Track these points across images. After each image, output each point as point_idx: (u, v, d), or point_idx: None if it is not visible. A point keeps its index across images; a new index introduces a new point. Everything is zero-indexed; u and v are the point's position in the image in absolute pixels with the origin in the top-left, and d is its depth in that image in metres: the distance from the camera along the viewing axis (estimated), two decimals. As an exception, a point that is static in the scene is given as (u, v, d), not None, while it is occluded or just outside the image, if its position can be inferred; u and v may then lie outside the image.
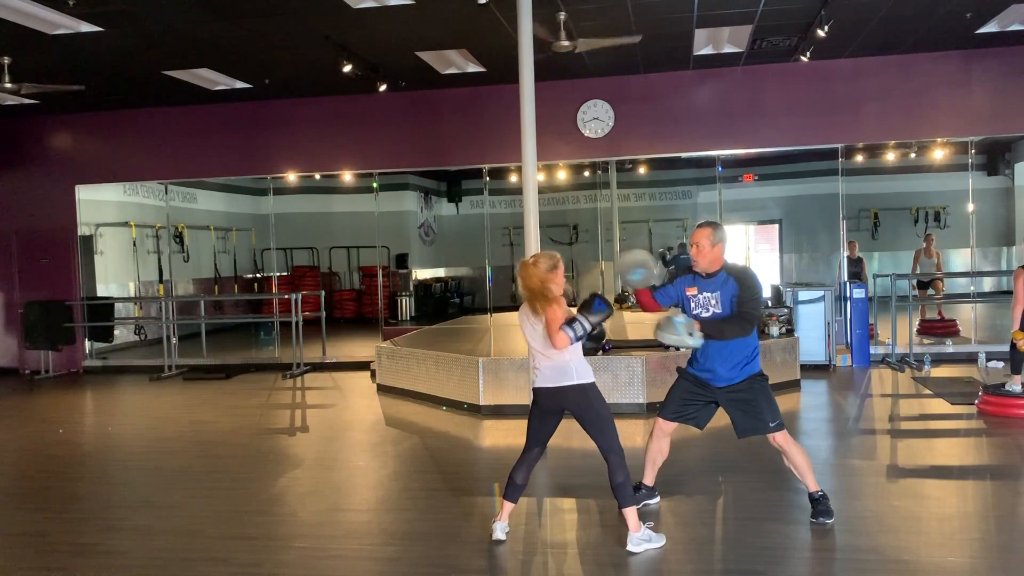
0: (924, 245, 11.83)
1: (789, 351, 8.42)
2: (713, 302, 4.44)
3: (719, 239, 4.45)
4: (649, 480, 4.86)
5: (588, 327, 4.11)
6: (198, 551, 4.43)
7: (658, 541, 4.24)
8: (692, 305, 4.50)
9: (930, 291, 11.53)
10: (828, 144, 10.41)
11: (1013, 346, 6.97)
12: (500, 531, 4.36)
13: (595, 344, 4.55)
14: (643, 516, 4.39)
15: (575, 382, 4.18)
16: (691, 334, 4.25)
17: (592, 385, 4.23)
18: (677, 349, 7.84)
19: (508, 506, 4.38)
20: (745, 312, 4.35)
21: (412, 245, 16.61)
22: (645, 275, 4.46)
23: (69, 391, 10.26)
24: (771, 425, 4.43)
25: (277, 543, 4.57)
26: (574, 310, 4.21)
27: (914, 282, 11.18)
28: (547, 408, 4.29)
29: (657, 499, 4.89)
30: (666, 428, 4.73)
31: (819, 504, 4.47)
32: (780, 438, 4.46)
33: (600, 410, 4.22)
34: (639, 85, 10.51)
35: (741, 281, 4.41)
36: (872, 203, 14.84)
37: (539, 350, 4.23)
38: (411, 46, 8.81)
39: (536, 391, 4.30)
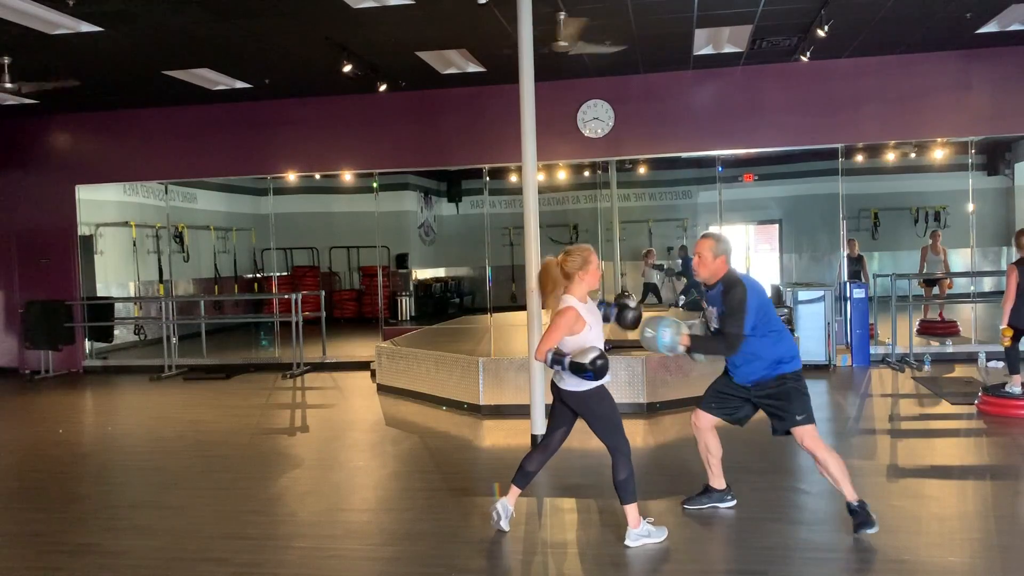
0: (931, 242, 11.84)
1: (789, 351, 8.41)
2: (714, 315, 4.47)
3: (722, 251, 4.40)
4: (715, 482, 4.76)
5: (563, 366, 4.04)
6: (198, 551, 4.43)
7: (658, 536, 4.24)
8: (708, 320, 4.57)
9: (935, 290, 11.53)
10: (828, 144, 10.40)
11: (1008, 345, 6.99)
12: (505, 517, 4.39)
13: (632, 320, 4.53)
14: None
15: (567, 388, 4.22)
16: (671, 350, 4.32)
17: (590, 392, 4.19)
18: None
19: (515, 490, 4.41)
20: (727, 332, 4.32)
21: (412, 245, 16.60)
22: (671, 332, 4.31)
23: (69, 391, 10.25)
24: (798, 418, 4.30)
25: (277, 543, 4.57)
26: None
27: (921, 280, 11.19)
28: (560, 401, 4.34)
29: (732, 502, 4.77)
30: (701, 423, 4.67)
31: (858, 515, 4.26)
32: (808, 440, 4.31)
33: (601, 411, 4.22)
34: (639, 85, 10.51)
35: (724, 297, 4.36)
36: (872, 203, 14.83)
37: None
38: (411, 46, 8.80)
39: (551, 384, 4.37)
